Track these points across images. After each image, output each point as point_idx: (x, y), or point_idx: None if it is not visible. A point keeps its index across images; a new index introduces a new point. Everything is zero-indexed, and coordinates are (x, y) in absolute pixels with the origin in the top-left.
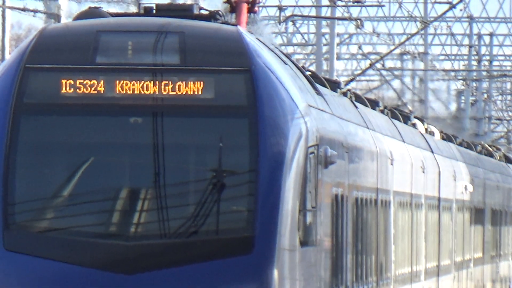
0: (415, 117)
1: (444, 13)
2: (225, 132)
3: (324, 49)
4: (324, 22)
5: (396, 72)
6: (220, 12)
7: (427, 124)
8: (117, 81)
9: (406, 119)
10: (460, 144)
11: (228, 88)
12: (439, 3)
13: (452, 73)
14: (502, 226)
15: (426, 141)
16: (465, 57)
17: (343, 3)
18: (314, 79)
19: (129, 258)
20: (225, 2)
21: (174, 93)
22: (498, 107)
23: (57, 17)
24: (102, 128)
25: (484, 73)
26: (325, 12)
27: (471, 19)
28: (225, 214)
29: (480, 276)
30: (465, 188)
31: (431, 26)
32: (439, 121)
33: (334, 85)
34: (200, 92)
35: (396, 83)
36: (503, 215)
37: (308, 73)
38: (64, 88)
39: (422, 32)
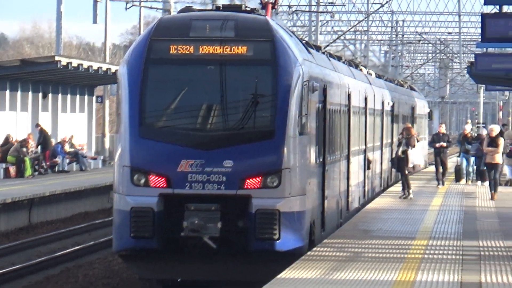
0: (362, 65)
1: (377, 9)
2: (259, 73)
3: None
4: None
5: (351, 41)
6: (256, 8)
7: (368, 69)
8: (200, 46)
9: (356, 66)
10: (386, 80)
11: (260, 50)
12: (375, 3)
13: (382, 41)
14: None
15: (367, 78)
16: (388, 33)
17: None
18: (307, 45)
19: (207, 141)
20: (259, 3)
21: (231, 52)
22: (406, 60)
23: (169, 12)
24: (193, 71)
25: (399, 41)
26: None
27: (392, 12)
28: (259, 117)
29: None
30: (388, 103)
31: (370, 16)
32: (375, 68)
33: (317, 48)
34: (245, 52)
35: (351, 47)
36: (408, 117)
37: (303, 41)
38: (171, 50)
39: (366, 19)
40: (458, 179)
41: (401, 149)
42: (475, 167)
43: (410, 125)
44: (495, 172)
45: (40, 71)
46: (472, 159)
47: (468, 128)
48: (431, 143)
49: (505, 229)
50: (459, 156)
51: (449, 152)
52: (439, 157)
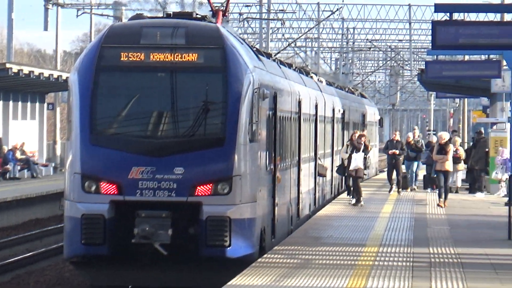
0: (312, 72)
1: (328, 16)
2: (210, 80)
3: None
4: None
5: (302, 49)
6: (207, 16)
7: (319, 76)
8: (151, 54)
9: (307, 73)
10: (337, 87)
11: (211, 57)
12: (326, 11)
13: (333, 49)
14: (358, 130)
15: (318, 86)
16: (339, 41)
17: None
18: (257, 52)
19: (158, 149)
20: (210, 11)
21: (182, 59)
22: (357, 67)
23: (120, 19)
24: (144, 79)
25: (349, 49)
26: (265, 15)
27: (343, 19)
28: (210, 124)
29: None
30: (339, 111)
31: (321, 23)
32: (325, 75)
33: (268, 55)
34: (196, 59)
35: (301, 55)
36: (358, 125)
37: (254, 48)
38: (122, 57)
39: (316, 27)
40: (405, 187)
41: (347, 154)
42: (419, 171)
43: (360, 133)
44: (445, 179)
45: None
46: (415, 165)
47: (411, 136)
48: (385, 150)
49: (455, 236)
50: (403, 163)
51: (401, 159)
52: (392, 164)
